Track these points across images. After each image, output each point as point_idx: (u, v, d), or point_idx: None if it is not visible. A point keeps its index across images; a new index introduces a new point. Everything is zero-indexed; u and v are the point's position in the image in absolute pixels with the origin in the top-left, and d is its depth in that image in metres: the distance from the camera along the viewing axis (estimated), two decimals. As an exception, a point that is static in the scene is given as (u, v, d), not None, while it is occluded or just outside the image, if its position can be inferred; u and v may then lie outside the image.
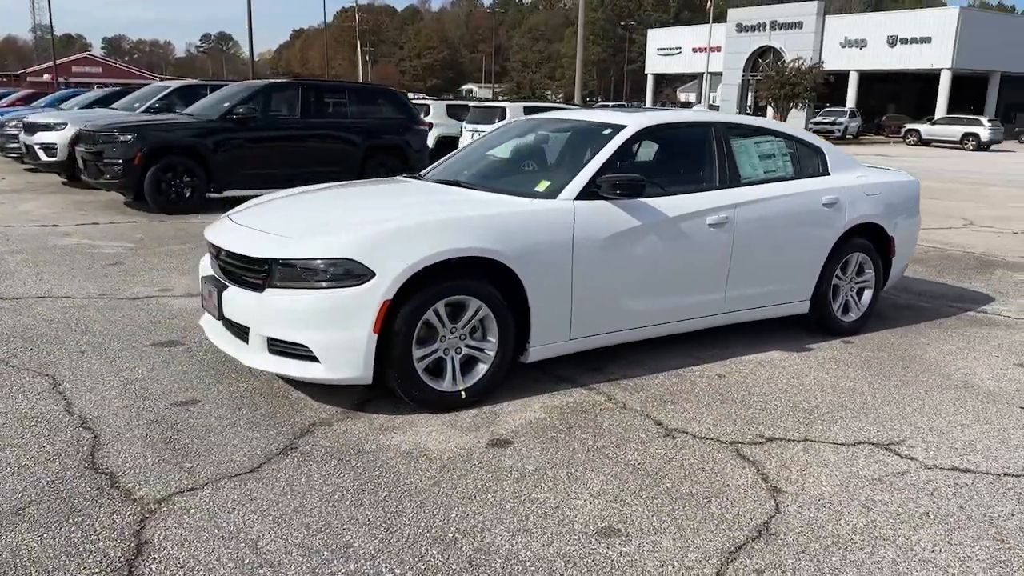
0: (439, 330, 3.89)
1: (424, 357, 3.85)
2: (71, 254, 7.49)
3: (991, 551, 2.85)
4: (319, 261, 3.66)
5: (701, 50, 53.91)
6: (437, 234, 3.79)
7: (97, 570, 2.58)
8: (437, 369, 3.94)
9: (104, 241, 8.21)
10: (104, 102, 14.63)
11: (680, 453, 3.57)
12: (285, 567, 2.62)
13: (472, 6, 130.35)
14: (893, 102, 51.54)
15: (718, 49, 52.26)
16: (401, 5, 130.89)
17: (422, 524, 2.91)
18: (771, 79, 40.90)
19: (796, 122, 39.20)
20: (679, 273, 4.60)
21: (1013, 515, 3.11)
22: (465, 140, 15.69)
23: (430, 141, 12.98)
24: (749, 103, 51.60)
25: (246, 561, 2.65)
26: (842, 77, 46.32)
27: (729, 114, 5.77)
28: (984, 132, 36.44)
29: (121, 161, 9.86)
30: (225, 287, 3.98)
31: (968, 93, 46.41)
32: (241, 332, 3.95)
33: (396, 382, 3.79)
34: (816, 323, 5.42)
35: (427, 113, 17.16)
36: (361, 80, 71.00)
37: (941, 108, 44.19)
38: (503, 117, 15.21)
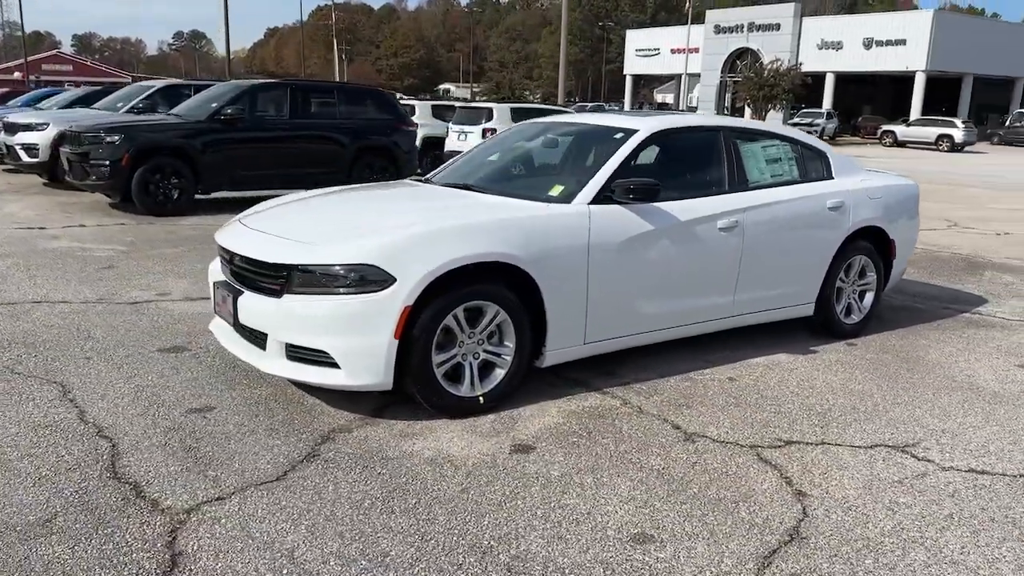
0: (457, 335, 3.88)
1: (443, 363, 3.84)
2: (62, 257, 7.38)
3: (1018, 552, 2.90)
4: (339, 267, 3.64)
5: (680, 51, 54.22)
6: (457, 239, 3.78)
7: (133, 583, 2.55)
8: (455, 374, 3.93)
9: (94, 244, 8.10)
10: (85, 101, 14.43)
11: (702, 457, 3.59)
12: (324, 577, 2.61)
13: (449, 5, 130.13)
14: (868, 103, 52.18)
15: (696, 50, 52.58)
16: (377, 4, 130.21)
17: (456, 531, 2.90)
18: (750, 80, 41.25)
19: (773, 124, 39.51)
20: (690, 277, 4.63)
21: (1034, 516, 3.17)
22: (451, 141, 15.67)
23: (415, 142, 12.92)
24: (727, 104, 51.97)
25: (284, 572, 2.63)
26: (819, 78, 46.79)
27: (735, 118, 5.79)
28: (958, 134, 37.00)
29: (108, 162, 9.72)
30: (240, 293, 3.94)
31: (942, 95, 47.10)
32: (257, 338, 3.92)
33: (416, 388, 3.78)
34: (820, 325, 5.47)
35: (412, 113, 17.06)
36: (337, 79, 70.68)
37: (916, 110, 44.83)
38: (490, 118, 15.22)
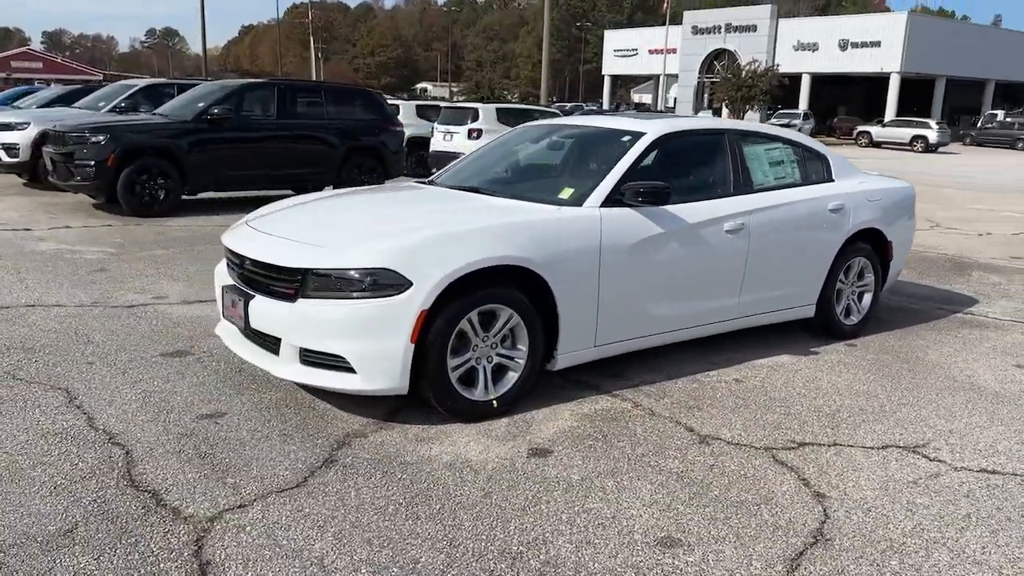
0: (472, 339, 3.87)
1: (457, 367, 3.83)
2: (52, 260, 7.26)
3: (1037, 552, 2.94)
4: (355, 271, 3.62)
5: (657, 52, 54.51)
6: (472, 243, 3.77)
7: (164, 593, 2.51)
8: (468, 378, 3.92)
9: (82, 246, 7.98)
10: (65, 100, 14.20)
11: (719, 460, 3.61)
12: (356, 585, 2.59)
13: (426, 4, 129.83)
14: (843, 104, 52.80)
15: (674, 51, 52.89)
16: (354, 2, 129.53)
17: (483, 537, 2.89)
18: (728, 81, 41.58)
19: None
20: (698, 279, 4.65)
21: (1049, 515, 3.22)
22: (437, 141, 15.61)
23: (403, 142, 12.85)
24: (704, 105, 52.33)
25: (316, 580, 2.60)
26: (795, 79, 47.29)
27: (739, 121, 5.83)
28: (932, 135, 37.53)
29: (93, 163, 9.57)
30: (251, 297, 3.90)
31: (916, 96, 47.78)
32: (269, 343, 3.88)
33: (431, 392, 3.77)
34: (821, 327, 5.52)
35: (396, 114, 16.99)
36: (314, 78, 70.13)
37: (890, 111, 45.43)
38: (475, 118, 15.18)
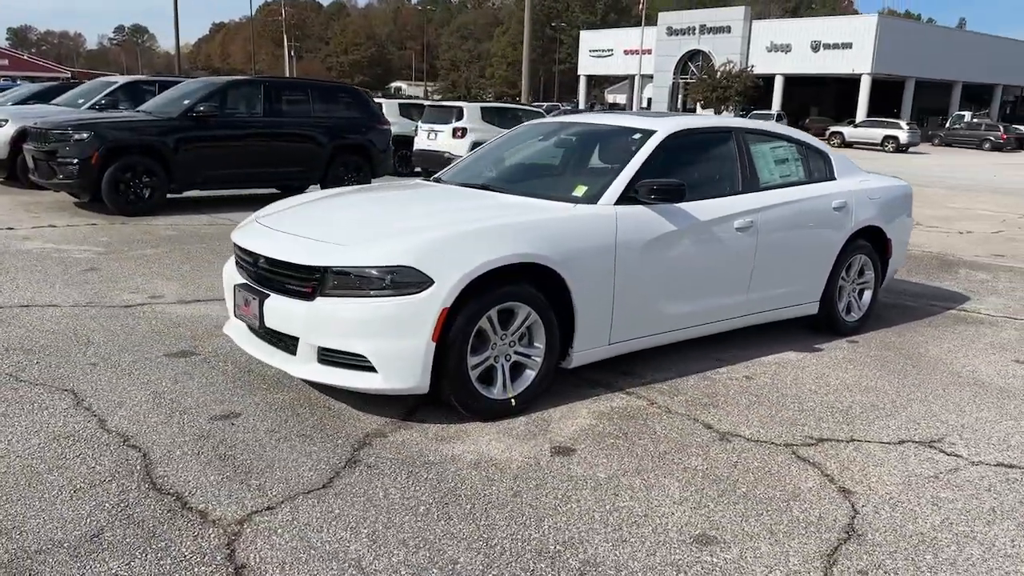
0: (490, 337, 3.84)
1: (477, 365, 3.80)
2: (40, 260, 7.11)
3: (1064, 544, 2.98)
4: (375, 269, 3.57)
5: (633, 52, 54.74)
6: (493, 240, 3.74)
7: (202, 598, 2.46)
8: (486, 377, 3.89)
9: (70, 245, 7.82)
10: (43, 97, 13.92)
11: (742, 457, 3.61)
12: (397, 587, 2.55)
13: (400, 3, 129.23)
14: (815, 105, 53.42)
15: (649, 51, 53.15)
16: (327, 0, 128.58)
17: (519, 537, 2.87)
18: (703, 82, 41.88)
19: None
20: (709, 277, 4.66)
21: (1070, 508, 3.26)
22: (421, 140, 15.54)
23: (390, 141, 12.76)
24: (679, 105, 52.67)
25: (356, 582, 2.56)
26: (768, 80, 47.77)
27: (745, 119, 5.86)
28: (903, 135, 38.09)
29: (77, 161, 9.39)
30: (266, 296, 3.84)
31: (885, 97, 48.46)
32: (285, 342, 3.82)
33: (451, 391, 3.73)
34: (823, 323, 5.56)
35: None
36: (288, 76, 69.47)
37: (861, 111, 46.04)
38: (460, 117, 15.14)
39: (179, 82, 12.30)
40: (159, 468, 3.26)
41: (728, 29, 49.93)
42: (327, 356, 3.67)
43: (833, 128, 42.70)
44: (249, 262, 4.04)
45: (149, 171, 9.81)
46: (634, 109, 52.81)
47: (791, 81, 49.76)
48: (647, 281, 4.33)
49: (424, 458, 3.46)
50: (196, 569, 2.60)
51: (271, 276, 3.88)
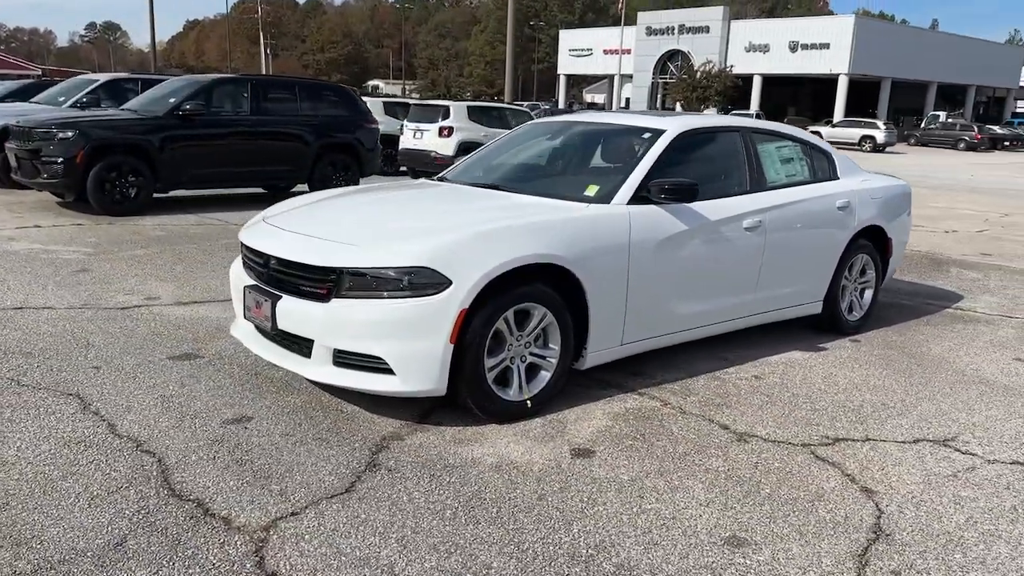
0: (507, 338, 3.80)
1: (493, 367, 3.77)
2: (29, 261, 6.97)
3: (1088, 542, 3.00)
4: (393, 270, 3.52)
5: (612, 52, 54.90)
6: (510, 240, 3.71)
7: (235, 608, 2.40)
8: (501, 379, 3.86)
9: (57, 246, 7.68)
10: (22, 95, 13.68)
11: (761, 458, 3.61)
12: (433, 594, 2.51)
13: (377, 1, 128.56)
14: (793, 105, 53.88)
15: (629, 51, 53.32)
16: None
17: (549, 541, 2.84)
18: (683, 82, 42.10)
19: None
20: (718, 276, 4.66)
21: (1089, 506, 3.29)
22: (406, 139, 15.45)
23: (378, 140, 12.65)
24: (658, 104, 52.89)
25: (391, 589, 2.52)
26: (747, 80, 48.09)
27: (751, 119, 5.87)
28: (880, 135, 38.53)
29: (61, 160, 9.22)
30: (278, 297, 3.78)
31: (862, 97, 48.99)
32: (298, 344, 3.76)
33: (468, 393, 3.69)
34: (826, 323, 5.58)
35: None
36: (265, 73, 68.89)
37: (839, 111, 46.50)
38: (446, 116, 15.06)
39: (161, 80, 12.14)
40: (176, 474, 3.19)
41: (707, 29, 50.22)
42: (343, 358, 3.62)
43: (811, 128, 43.00)
44: (259, 263, 3.97)
45: (135, 170, 9.65)
46: (613, 109, 52.93)
47: (769, 81, 50.16)
48: (659, 281, 4.32)
49: (444, 461, 3.42)
50: (226, 578, 2.54)
51: (283, 277, 3.81)
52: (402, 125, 15.89)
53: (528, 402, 3.89)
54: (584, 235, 3.97)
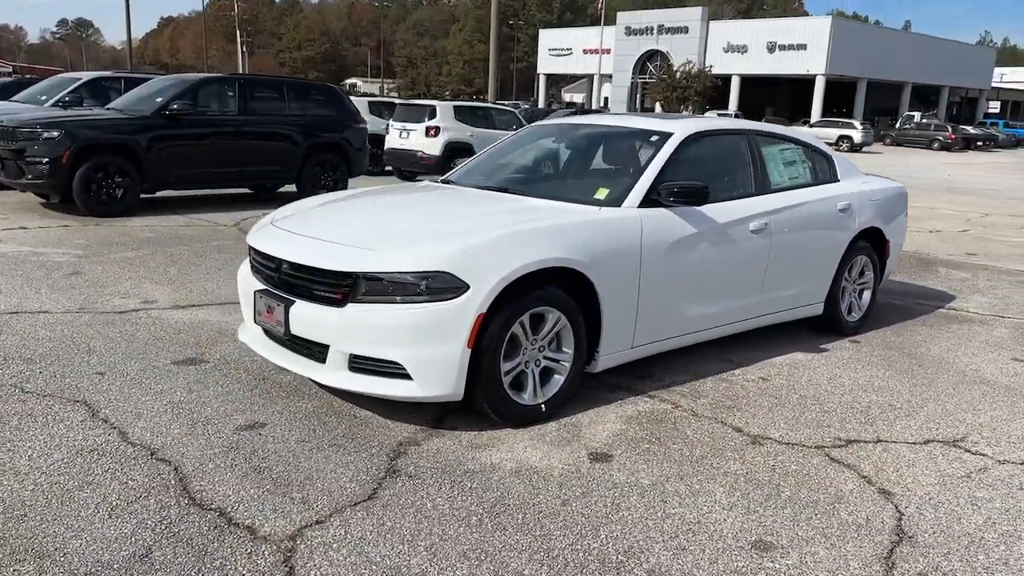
0: (522, 342, 3.79)
1: (509, 371, 3.75)
2: (18, 263, 6.85)
3: (1105, 541, 3.04)
4: (410, 274, 3.50)
5: (592, 52, 55.04)
6: (527, 244, 3.70)
7: (271, 620, 2.37)
8: (516, 383, 3.84)
9: (46, 248, 7.55)
10: (2, 93, 13.44)
11: (778, 460, 3.62)
12: (468, 602, 2.49)
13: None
14: (770, 105, 54.31)
15: (608, 51, 53.48)
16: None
17: (579, 547, 2.83)
18: (663, 82, 42.30)
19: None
20: (726, 278, 4.68)
21: (1101, 505, 3.33)
22: (392, 138, 15.38)
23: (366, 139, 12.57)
24: (637, 104, 53.10)
25: (425, 599, 2.50)
26: (725, 80, 48.40)
27: (755, 122, 5.90)
28: (857, 135, 38.94)
29: (47, 160, 9.07)
30: (291, 302, 3.74)
31: (838, 98, 49.50)
32: (311, 349, 3.73)
33: (485, 398, 3.68)
34: (826, 324, 5.62)
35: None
36: (241, 71, 68.32)
37: (816, 111, 46.95)
38: (432, 116, 15.00)
39: (146, 79, 11.99)
40: (194, 482, 3.15)
41: (685, 29, 50.50)
42: (359, 363, 3.59)
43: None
44: (271, 267, 3.93)
45: (122, 171, 9.52)
46: (593, 108, 53.07)
47: (747, 81, 50.54)
48: (669, 283, 4.33)
49: (463, 467, 3.40)
50: (257, 589, 2.51)
51: (296, 282, 3.77)
52: (388, 124, 15.82)
53: (542, 406, 3.89)
54: (597, 239, 3.97)
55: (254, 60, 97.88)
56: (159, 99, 10.05)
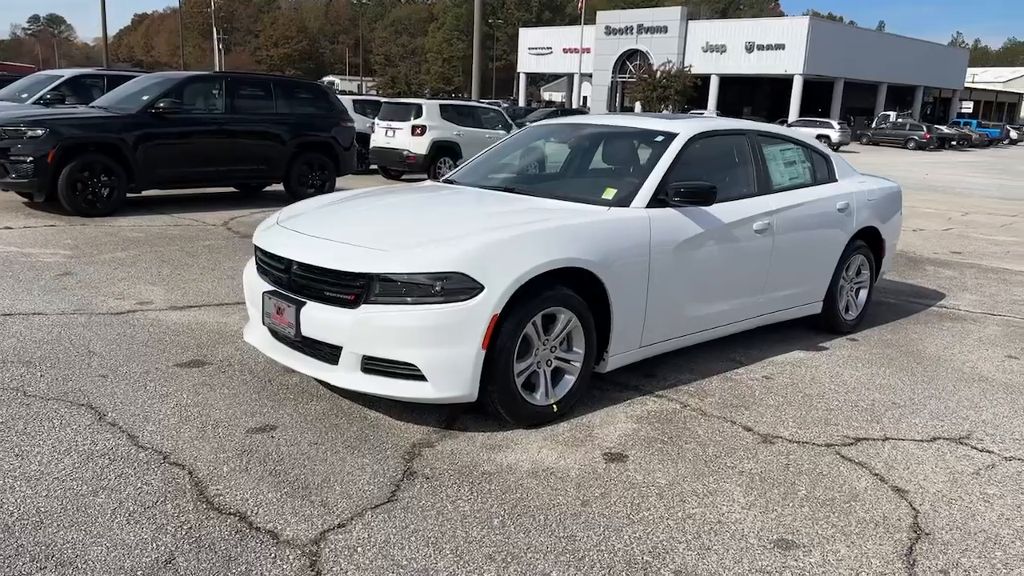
0: (534, 343, 3.79)
1: (522, 372, 3.75)
2: (7, 264, 6.73)
3: (1116, 536, 3.09)
4: (425, 275, 3.48)
5: (572, 51, 55.13)
6: (540, 245, 3.69)
7: (302, 625, 2.35)
8: (528, 384, 3.84)
9: (33, 248, 7.43)
10: (-21, 91, 13.18)
11: (791, 459, 3.65)
12: (499, 605, 2.49)
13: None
14: (749, 104, 54.67)
15: (588, 50, 53.59)
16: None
17: (604, 548, 2.83)
18: (644, 81, 42.47)
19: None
20: (731, 278, 4.70)
21: (1108, 501, 3.39)
22: (378, 137, 15.30)
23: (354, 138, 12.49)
24: (617, 104, 53.26)
25: (456, 602, 2.49)
26: (704, 80, 48.67)
27: (757, 122, 5.93)
28: (835, 134, 39.28)
29: (32, 159, 8.91)
30: (302, 303, 3.70)
31: (815, 98, 49.95)
32: (322, 351, 3.70)
33: (498, 398, 3.66)
34: (825, 322, 5.67)
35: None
36: (217, 69, 67.68)
37: (794, 111, 47.35)
38: (419, 114, 14.94)
39: (129, 77, 11.83)
40: (211, 486, 3.11)
41: (665, 29, 50.73)
42: (372, 365, 3.57)
43: (767, 127, 43.75)
44: (280, 268, 3.89)
45: (108, 170, 9.39)
46: (573, 107, 53.14)
47: (726, 81, 50.86)
48: (676, 283, 4.34)
49: (480, 468, 3.39)
50: (286, 594, 2.48)
51: (307, 283, 3.74)
52: (373, 123, 15.74)
53: (554, 406, 3.88)
54: (608, 238, 3.97)
55: (230, 57, 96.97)
56: (145, 97, 9.92)
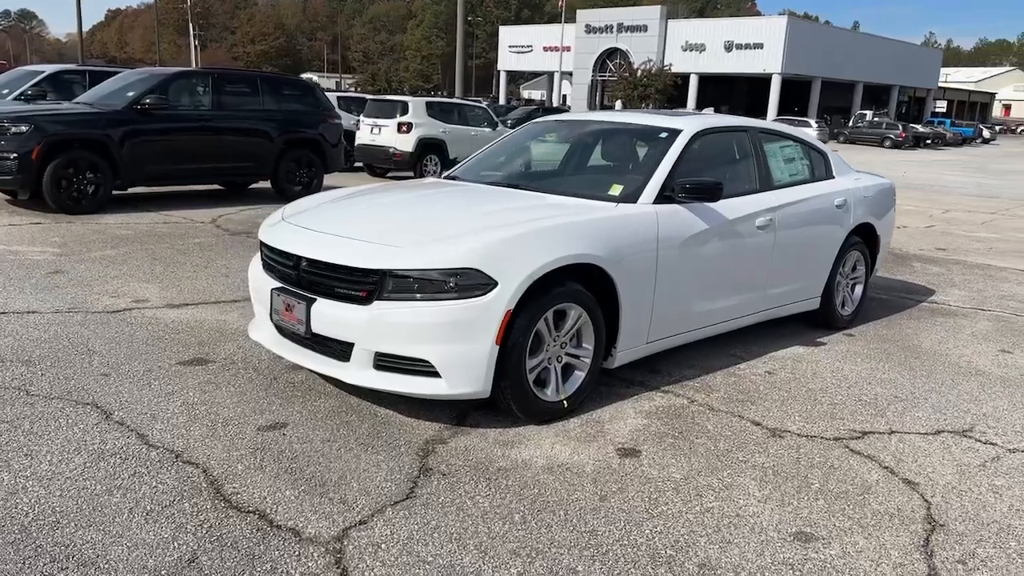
0: (545, 339, 3.79)
1: (534, 368, 3.75)
2: (-5, 261, 6.63)
3: (1123, 526, 3.15)
4: (438, 272, 3.47)
5: (553, 49, 55.17)
6: (552, 241, 3.69)
7: (333, 623, 2.33)
8: (538, 380, 3.84)
9: (21, 246, 7.32)
10: (-43, 87, 12.94)
11: (801, 453, 3.68)
12: (528, 600, 2.48)
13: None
14: (727, 103, 54.96)
15: (569, 48, 53.66)
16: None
17: (626, 542, 2.84)
18: (625, 80, 42.61)
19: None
20: (734, 274, 4.73)
21: (1113, 491, 3.45)
22: (364, 134, 15.23)
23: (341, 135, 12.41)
24: (597, 102, 53.38)
25: (485, 597, 2.48)
26: (684, 78, 48.92)
27: (758, 120, 5.96)
28: (813, 133, 39.65)
29: (16, 156, 8.77)
30: (313, 300, 3.68)
31: (793, 96, 50.37)
32: (333, 348, 3.67)
33: (511, 394, 3.66)
34: (822, 318, 5.72)
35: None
36: (194, 66, 66.93)
37: (772, 110, 47.71)
38: (404, 112, 14.88)
39: (112, 73, 11.68)
40: (227, 485, 3.08)
41: (645, 28, 50.91)
42: (385, 362, 3.55)
43: (746, 125, 44.06)
44: (288, 265, 3.86)
45: (94, 167, 9.27)
46: (554, 105, 53.20)
47: (705, 80, 51.14)
48: (682, 279, 4.36)
49: (495, 464, 3.39)
50: (313, 592, 2.46)
51: (317, 279, 3.71)
52: (358, 120, 15.66)
53: (564, 402, 3.89)
54: (616, 234, 3.98)
55: (207, 54, 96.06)
56: (131, 93, 9.80)
